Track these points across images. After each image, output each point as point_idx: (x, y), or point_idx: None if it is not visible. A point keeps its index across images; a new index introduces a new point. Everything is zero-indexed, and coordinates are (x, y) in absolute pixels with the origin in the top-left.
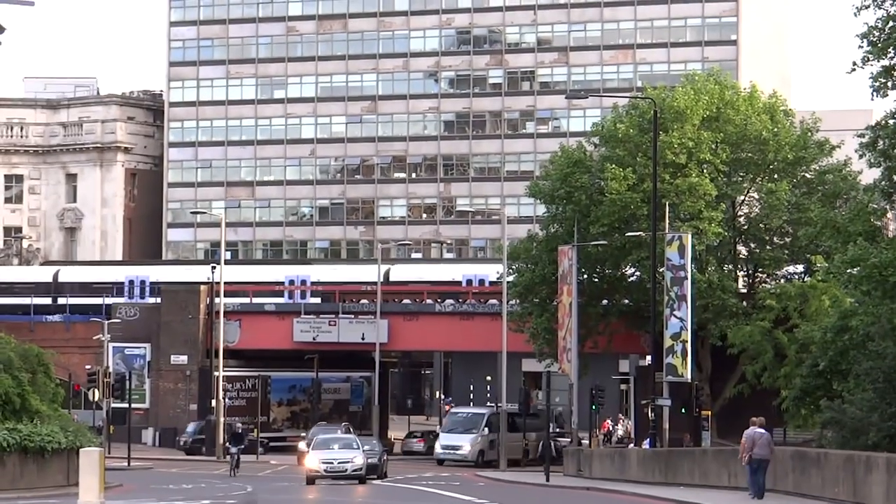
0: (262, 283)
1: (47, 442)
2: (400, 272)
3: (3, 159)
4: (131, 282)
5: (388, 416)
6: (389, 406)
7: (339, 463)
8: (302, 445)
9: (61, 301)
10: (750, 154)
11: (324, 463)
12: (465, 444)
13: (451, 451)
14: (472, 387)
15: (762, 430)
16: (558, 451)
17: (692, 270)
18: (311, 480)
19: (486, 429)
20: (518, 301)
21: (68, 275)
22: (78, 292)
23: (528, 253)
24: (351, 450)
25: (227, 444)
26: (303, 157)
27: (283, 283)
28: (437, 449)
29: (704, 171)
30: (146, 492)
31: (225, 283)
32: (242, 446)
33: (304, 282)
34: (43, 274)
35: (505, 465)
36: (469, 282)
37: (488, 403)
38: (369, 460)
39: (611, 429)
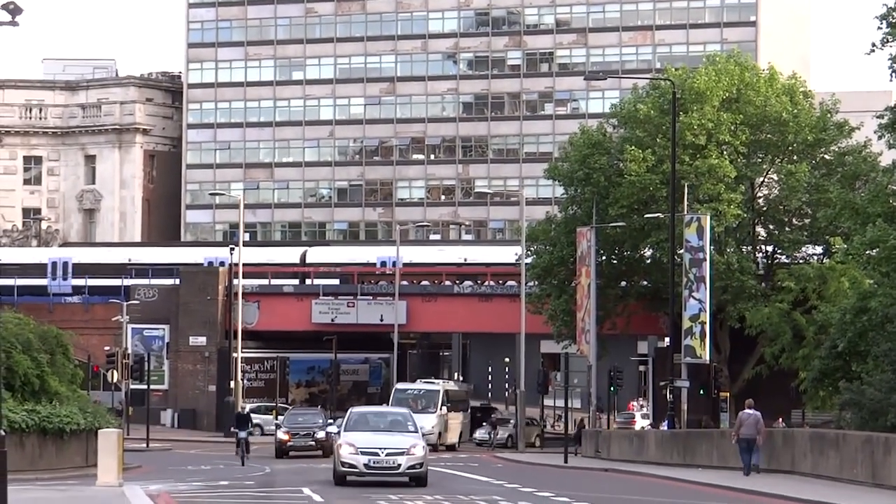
0: (282, 264)
1: (66, 423)
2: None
3: (22, 141)
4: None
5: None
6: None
7: (387, 455)
8: (332, 429)
9: (79, 283)
10: (769, 135)
11: (364, 454)
12: (426, 424)
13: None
14: (490, 368)
15: (751, 412)
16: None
17: (711, 252)
18: (340, 479)
19: (444, 407)
20: (536, 283)
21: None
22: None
23: (546, 234)
24: (405, 433)
25: (233, 427)
26: (321, 138)
27: (303, 266)
28: None
29: (724, 152)
30: (165, 473)
31: (244, 264)
32: (250, 430)
33: (390, 262)
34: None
35: (523, 447)
36: (383, 263)
37: (436, 379)
38: None
39: (635, 410)
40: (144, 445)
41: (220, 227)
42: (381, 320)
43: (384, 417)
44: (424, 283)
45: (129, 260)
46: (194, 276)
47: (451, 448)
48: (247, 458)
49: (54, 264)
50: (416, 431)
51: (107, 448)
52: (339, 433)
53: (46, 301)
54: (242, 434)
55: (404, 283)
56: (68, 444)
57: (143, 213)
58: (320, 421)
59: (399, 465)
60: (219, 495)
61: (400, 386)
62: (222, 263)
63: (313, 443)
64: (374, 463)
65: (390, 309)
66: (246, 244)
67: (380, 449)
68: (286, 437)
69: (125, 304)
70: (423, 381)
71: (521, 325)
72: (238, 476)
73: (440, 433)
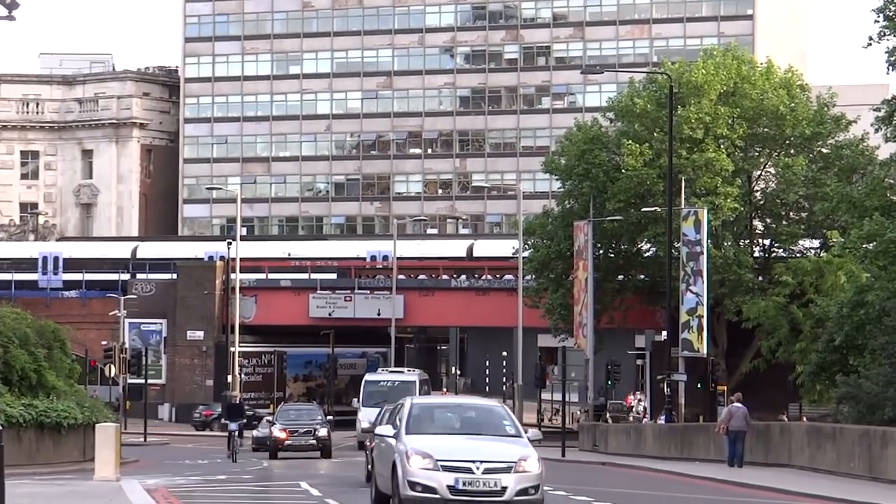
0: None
1: (63, 418)
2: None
3: (19, 135)
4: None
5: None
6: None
7: (485, 472)
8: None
9: (76, 277)
10: (766, 129)
11: (449, 470)
12: None
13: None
14: (487, 362)
15: (739, 405)
16: None
17: (708, 246)
18: None
19: None
20: (534, 276)
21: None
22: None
23: (543, 228)
24: (505, 438)
25: (224, 419)
26: (318, 132)
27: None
28: (364, 425)
29: (721, 146)
30: (162, 468)
31: (241, 259)
32: (242, 421)
33: (384, 257)
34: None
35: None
36: (373, 258)
37: (409, 369)
38: None
39: (633, 403)
40: (142, 440)
41: (217, 222)
42: (379, 314)
43: (463, 412)
44: (421, 277)
45: (133, 254)
46: (192, 271)
47: None
48: (238, 453)
49: (45, 259)
50: (520, 435)
51: (104, 442)
52: (396, 435)
53: (44, 295)
54: (233, 426)
55: (401, 277)
56: (66, 439)
57: (140, 208)
58: (319, 417)
59: (504, 487)
60: (216, 489)
61: (371, 377)
62: (222, 258)
63: (314, 441)
64: (465, 484)
65: (387, 303)
66: (243, 238)
67: (473, 463)
68: (283, 436)
69: (122, 298)
70: (391, 370)
71: (519, 318)
72: (235, 471)
73: None
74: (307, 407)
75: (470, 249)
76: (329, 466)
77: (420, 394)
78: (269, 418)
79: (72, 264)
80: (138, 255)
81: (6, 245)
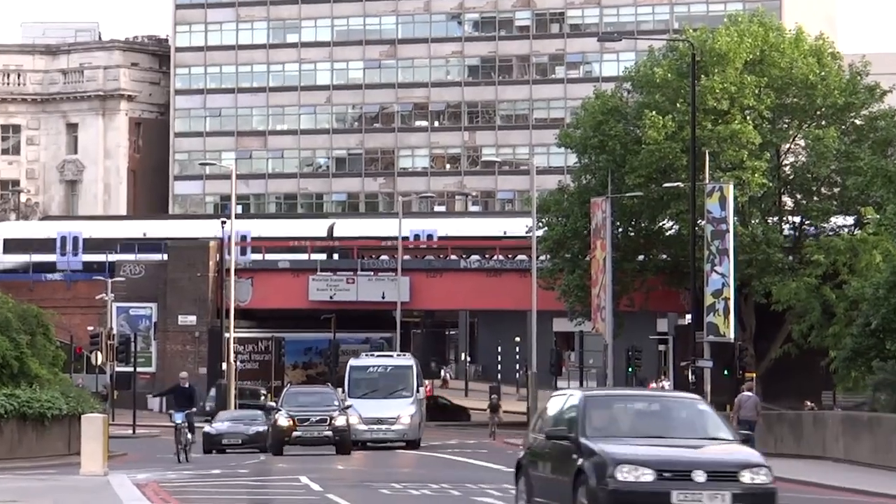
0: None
1: (47, 408)
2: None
3: None
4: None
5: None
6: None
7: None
8: (355, 416)
9: (98, 258)
10: (796, 99)
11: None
12: (402, 413)
13: (379, 428)
14: (499, 348)
15: (749, 394)
16: None
17: (734, 223)
18: None
19: (421, 389)
20: (548, 256)
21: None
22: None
23: (558, 205)
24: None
25: (170, 409)
26: (318, 104)
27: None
28: (357, 423)
29: (747, 117)
30: (153, 461)
31: (236, 238)
32: (193, 410)
33: (424, 235)
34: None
35: None
36: (416, 237)
37: (399, 353)
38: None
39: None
40: (131, 432)
41: (210, 199)
42: (383, 298)
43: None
44: (429, 257)
45: (144, 234)
46: (183, 252)
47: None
48: (189, 451)
49: (63, 239)
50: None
51: (91, 434)
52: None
53: (26, 278)
54: (179, 417)
55: (407, 257)
56: (49, 431)
57: (128, 185)
58: (336, 402)
59: None
60: (211, 484)
61: (357, 362)
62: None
63: (329, 433)
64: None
65: (392, 285)
66: (238, 217)
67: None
68: (288, 424)
69: (110, 281)
70: (380, 354)
71: (533, 301)
72: (231, 465)
73: (420, 424)
74: (321, 390)
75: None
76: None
77: (417, 382)
78: (272, 403)
79: (92, 245)
80: (148, 234)
81: (19, 225)
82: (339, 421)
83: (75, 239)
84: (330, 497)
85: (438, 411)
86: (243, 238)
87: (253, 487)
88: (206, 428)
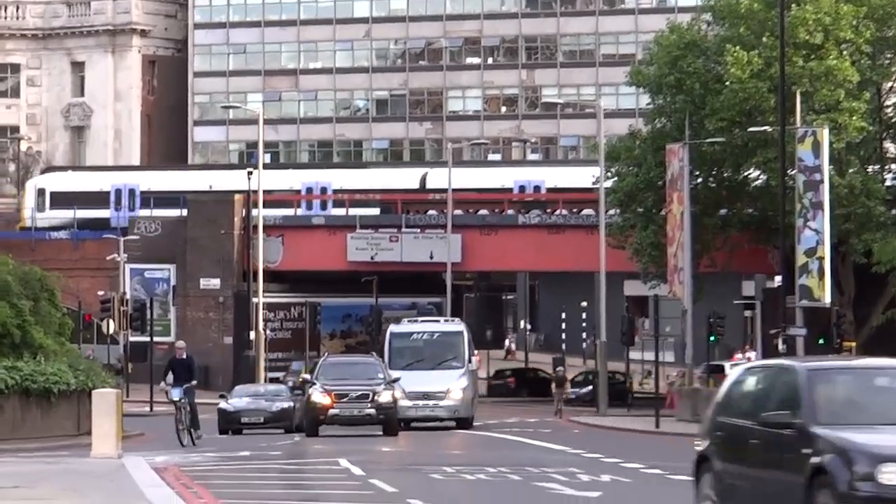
0: (310, 190)
1: (53, 382)
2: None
3: None
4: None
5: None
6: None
7: None
8: (399, 391)
9: (161, 214)
10: None
11: None
12: (452, 387)
13: (426, 404)
14: (563, 314)
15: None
16: None
17: (829, 172)
18: None
19: (473, 359)
20: (618, 211)
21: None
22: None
23: (629, 153)
24: None
25: (165, 382)
26: (356, 39)
27: (337, 191)
28: (400, 399)
29: (844, 52)
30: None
31: (264, 191)
32: (193, 383)
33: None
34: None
35: (605, 408)
36: (522, 188)
37: (447, 318)
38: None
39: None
40: (147, 409)
41: (234, 147)
42: (431, 258)
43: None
44: (483, 212)
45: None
46: (204, 207)
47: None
48: (195, 433)
49: (118, 192)
50: None
51: (103, 412)
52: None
53: (27, 237)
54: (176, 393)
55: (458, 212)
56: (56, 408)
57: (142, 131)
58: (381, 375)
59: None
60: (239, 468)
61: (398, 328)
62: (325, 189)
63: (372, 410)
64: None
65: (442, 244)
66: (267, 167)
67: None
68: (327, 402)
69: (122, 240)
70: (424, 319)
71: (601, 262)
72: (262, 445)
73: (473, 399)
74: (363, 360)
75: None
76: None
77: (468, 350)
78: (307, 376)
79: (150, 198)
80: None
81: (68, 176)
82: (384, 396)
83: (131, 192)
84: (373, 482)
85: (537, 384)
86: (323, 190)
87: (286, 472)
88: (222, 404)
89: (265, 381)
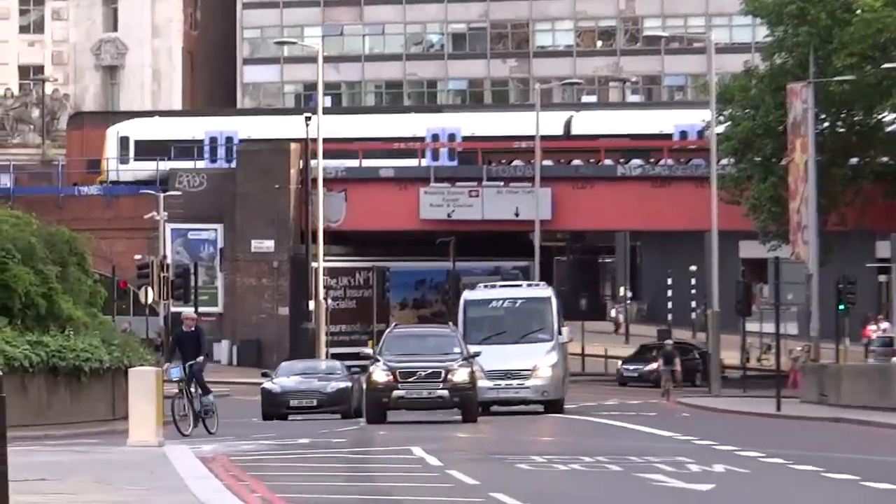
0: (376, 138)
1: (84, 360)
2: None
3: None
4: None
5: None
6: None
7: None
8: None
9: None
10: None
11: None
12: (540, 363)
13: (508, 384)
14: (669, 280)
15: None
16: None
17: None
18: None
19: (564, 331)
20: (732, 160)
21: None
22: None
23: (745, 94)
24: None
25: (164, 359)
26: None
27: (407, 139)
28: (482, 380)
29: None
30: (222, 427)
31: (325, 139)
32: (200, 359)
33: (437, 136)
34: None
35: (718, 388)
36: (684, 134)
37: (530, 282)
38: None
39: (875, 335)
40: (193, 389)
41: (290, 89)
42: (517, 215)
43: None
44: (576, 162)
45: (379, 133)
46: (255, 157)
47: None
48: (211, 417)
49: (214, 140)
50: None
51: (141, 393)
52: None
53: (54, 192)
54: (176, 373)
55: (548, 162)
56: (87, 389)
57: (184, 71)
58: (457, 349)
59: None
60: (297, 458)
61: (473, 295)
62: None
63: (445, 392)
64: None
65: (529, 199)
66: (327, 111)
67: None
68: (387, 379)
69: (162, 195)
70: (503, 284)
71: (712, 219)
72: (323, 432)
73: (563, 378)
74: (436, 331)
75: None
76: (478, 430)
77: (558, 320)
78: (368, 350)
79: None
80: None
81: (155, 123)
82: (460, 375)
83: (228, 140)
84: (452, 473)
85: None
86: (451, 137)
87: (352, 462)
88: (266, 384)
89: (327, 357)
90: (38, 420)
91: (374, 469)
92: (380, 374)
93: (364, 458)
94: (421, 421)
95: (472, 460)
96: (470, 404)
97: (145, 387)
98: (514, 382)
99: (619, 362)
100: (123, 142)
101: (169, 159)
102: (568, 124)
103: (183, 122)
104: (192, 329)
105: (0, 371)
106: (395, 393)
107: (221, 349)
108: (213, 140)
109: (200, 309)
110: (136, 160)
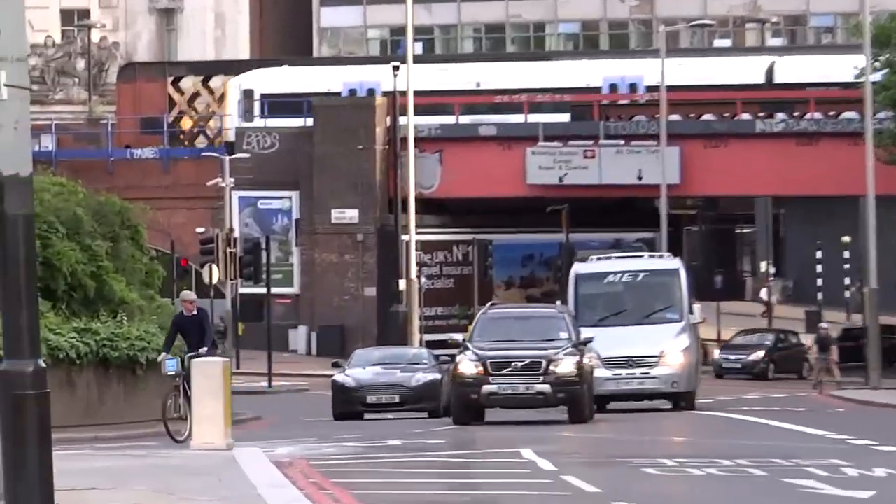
0: (478, 91)
1: (139, 350)
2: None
3: None
4: None
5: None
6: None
7: None
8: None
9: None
10: None
11: None
12: (668, 349)
13: (631, 375)
14: (818, 254)
15: None
16: None
17: None
18: None
19: (695, 310)
20: (892, 114)
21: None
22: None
23: None
24: None
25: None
26: None
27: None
28: (598, 369)
29: None
30: (299, 428)
31: (415, 92)
32: (203, 350)
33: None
34: None
35: (878, 379)
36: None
37: (653, 254)
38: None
39: None
40: (265, 384)
41: (374, 35)
42: (640, 179)
43: None
44: (707, 117)
45: (478, 84)
46: (335, 114)
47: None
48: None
49: (352, 92)
50: None
51: (206, 389)
52: None
53: (103, 156)
54: (172, 366)
55: (675, 117)
56: (144, 384)
57: (251, 15)
58: (564, 333)
59: None
60: (389, 462)
61: (586, 268)
62: (631, 86)
63: (546, 387)
64: None
65: (654, 160)
66: (417, 60)
67: None
68: (477, 370)
69: (227, 158)
70: (621, 255)
71: (868, 182)
72: (417, 432)
73: (696, 364)
74: (538, 312)
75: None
76: (592, 429)
77: (687, 292)
78: (458, 336)
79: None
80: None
81: (282, 73)
82: (565, 365)
83: (370, 92)
84: (568, 479)
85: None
86: (632, 87)
87: (452, 466)
88: (338, 377)
89: (422, 345)
90: (87, 419)
91: (479, 475)
92: (467, 366)
93: (466, 461)
94: (523, 421)
95: (591, 464)
96: (578, 401)
97: (211, 381)
98: (638, 372)
99: (716, 351)
100: (247, 96)
101: (304, 116)
102: (770, 71)
103: (317, 71)
104: (194, 313)
105: (43, 363)
106: (486, 388)
107: (298, 337)
108: (353, 93)
109: (275, 290)
110: (261, 118)
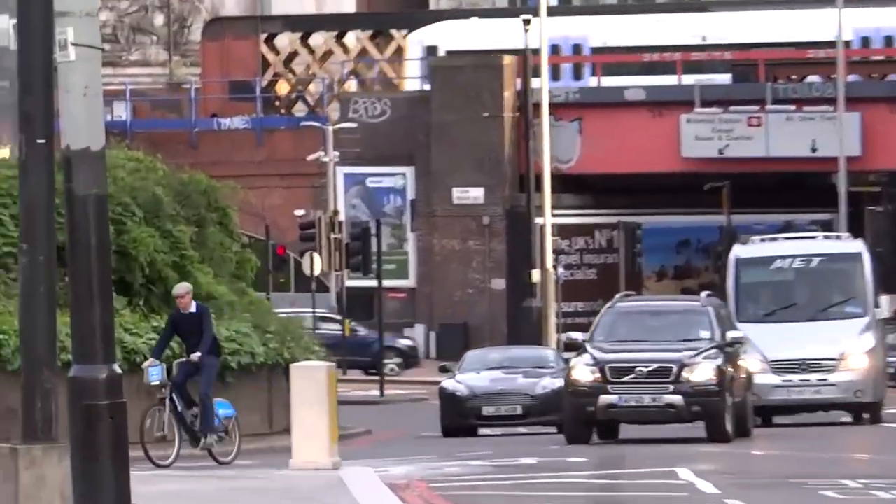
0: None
1: (230, 353)
2: None
3: None
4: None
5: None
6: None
7: None
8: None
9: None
10: None
11: None
12: (849, 350)
13: (805, 381)
14: None
15: None
16: None
17: None
18: None
19: (882, 303)
20: None
21: None
22: None
23: None
24: None
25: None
26: None
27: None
28: (760, 373)
29: None
30: (415, 444)
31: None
32: (197, 356)
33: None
34: None
35: None
36: None
37: (831, 235)
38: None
39: None
40: (377, 393)
41: None
42: (814, 151)
43: None
44: (893, 77)
45: (704, 38)
46: (456, 74)
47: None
48: (215, 440)
49: (555, 49)
50: None
51: (308, 399)
52: None
53: (185, 126)
54: (156, 374)
55: (853, 77)
56: (235, 392)
57: None
58: (707, 331)
59: None
60: (522, 485)
61: (748, 251)
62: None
63: (678, 398)
64: None
65: (831, 128)
66: (552, 12)
67: None
68: (594, 377)
69: (331, 128)
70: (789, 236)
71: None
72: (553, 449)
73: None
74: (675, 305)
75: None
76: (752, 444)
77: (872, 281)
78: (576, 336)
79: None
80: None
81: (471, 25)
82: (701, 372)
83: (576, 48)
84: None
85: None
86: (888, 40)
87: (596, 489)
88: (446, 384)
89: (559, 348)
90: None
91: (630, 500)
92: (582, 371)
93: (612, 482)
94: (661, 439)
95: (758, 486)
96: (716, 416)
97: (314, 389)
98: (814, 378)
99: None
100: (431, 53)
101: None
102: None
103: (509, 24)
104: (192, 310)
105: (118, 369)
106: (603, 399)
107: (415, 336)
108: (556, 49)
109: (387, 282)
110: None
